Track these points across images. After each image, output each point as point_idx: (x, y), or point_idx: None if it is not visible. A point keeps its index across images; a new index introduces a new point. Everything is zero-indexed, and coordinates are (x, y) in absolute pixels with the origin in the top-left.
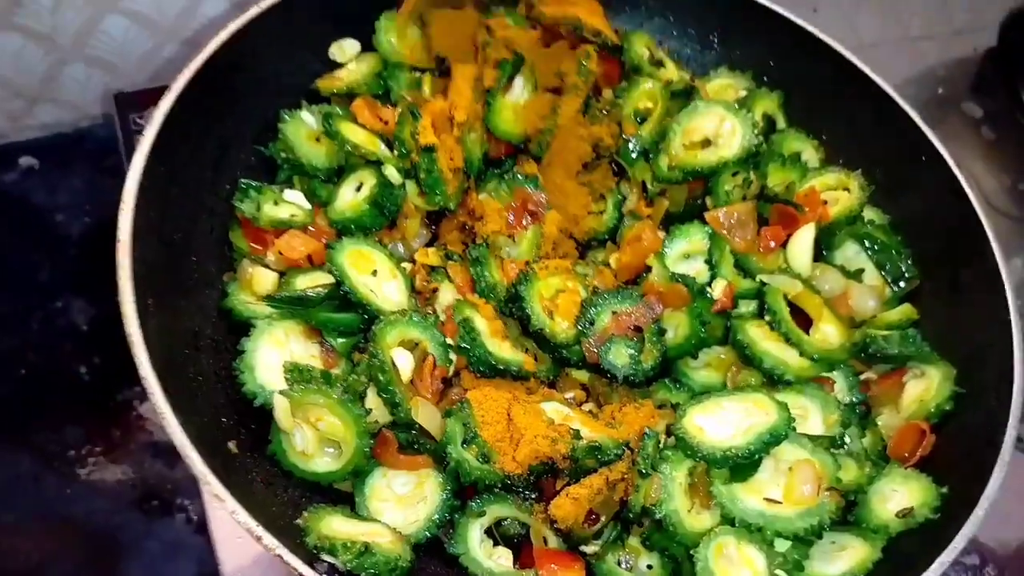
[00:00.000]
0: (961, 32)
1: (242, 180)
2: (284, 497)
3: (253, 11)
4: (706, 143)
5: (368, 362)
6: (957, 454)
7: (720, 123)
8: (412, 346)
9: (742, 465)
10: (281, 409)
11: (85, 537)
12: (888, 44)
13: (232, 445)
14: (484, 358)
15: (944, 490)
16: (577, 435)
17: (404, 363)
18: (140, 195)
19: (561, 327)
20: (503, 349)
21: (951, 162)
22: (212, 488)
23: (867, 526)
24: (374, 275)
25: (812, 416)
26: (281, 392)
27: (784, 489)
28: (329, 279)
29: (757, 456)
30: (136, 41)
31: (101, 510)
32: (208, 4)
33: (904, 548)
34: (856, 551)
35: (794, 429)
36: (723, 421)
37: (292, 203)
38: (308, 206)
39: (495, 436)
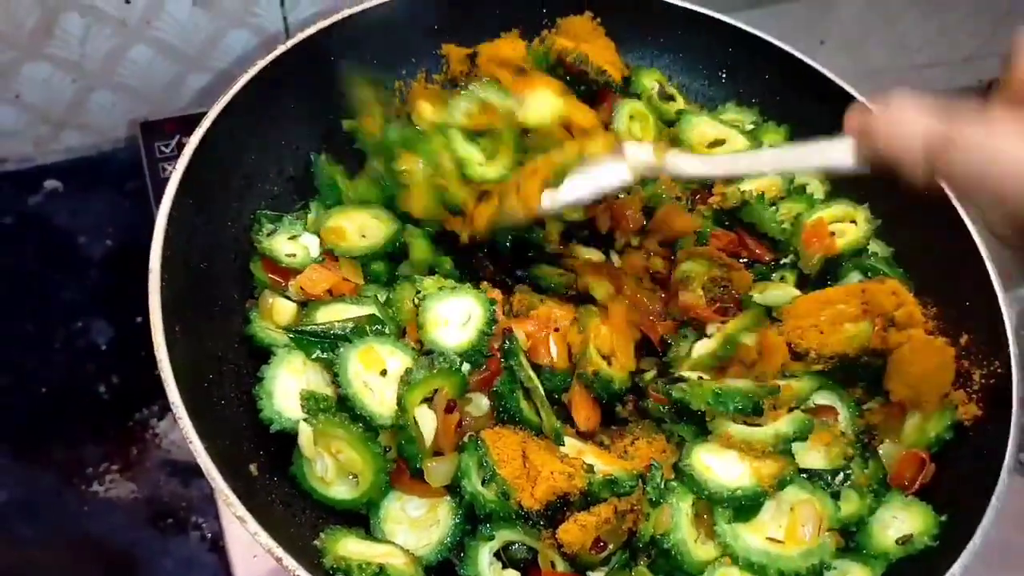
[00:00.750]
0: (968, 60)
1: (259, 211)
2: (301, 519)
3: (281, 48)
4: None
5: (396, 426)
6: (956, 483)
7: (716, 129)
8: (432, 393)
9: (745, 505)
10: (305, 437)
11: (102, 553)
12: (895, 73)
13: (253, 468)
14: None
15: (943, 518)
16: (591, 469)
17: (428, 423)
18: (169, 225)
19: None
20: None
21: (952, 194)
22: (235, 510)
23: (867, 552)
24: (383, 375)
25: (815, 448)
26: (305, 420)
27: (786, 529)
28: (350, 312)
29: (763, 499)
30: (161, 69)
31: (117, 527)
32: (232, 36)
33: (904, 574)
34: None
35: (799, 474)
36: (731, 460)
37: (303, 245)
38: (316, 252)
39: (512, 474)
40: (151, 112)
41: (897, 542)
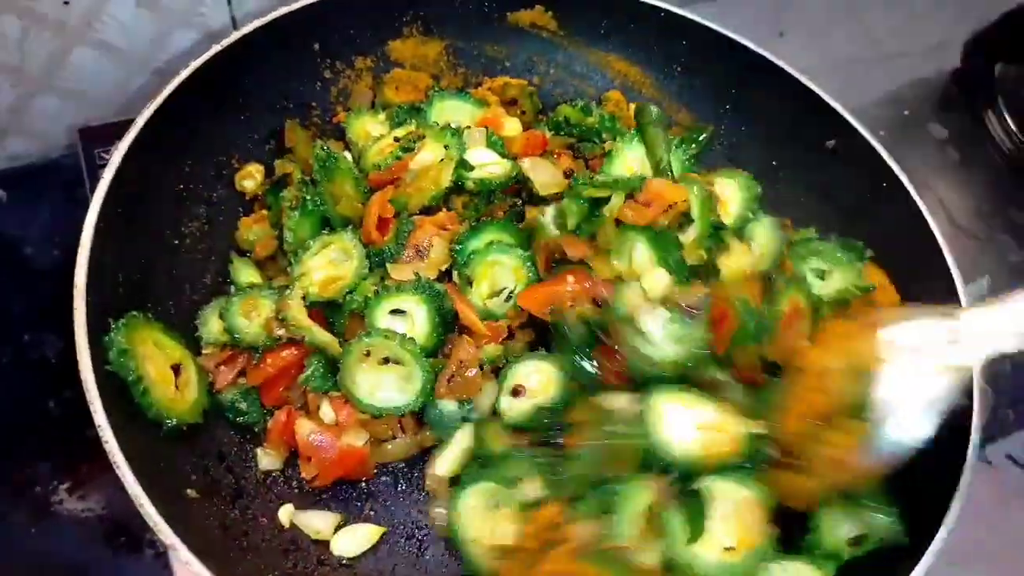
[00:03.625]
0: (937, 49)
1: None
2: (243, 543)
3: (215, 48)
4: None
5: None
6: (919, 480)
7: None
8: None
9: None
10: None
11: (53, 574)
12: (861, 64)
13: (191, 491)
14: None
15: (894, 517)
16: None
17: None
18: (97, 237)
19: None
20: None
21: (911, 187)
22: (165, 537)
23: (819, 552)
24: None
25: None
26: None
27: (738, 538)
28: None
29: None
30: (106, 72)
31: (69, 546)
32: (179, 35)
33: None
34: None
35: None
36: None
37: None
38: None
39: None
40: (97, 117)
41: (849, 543)
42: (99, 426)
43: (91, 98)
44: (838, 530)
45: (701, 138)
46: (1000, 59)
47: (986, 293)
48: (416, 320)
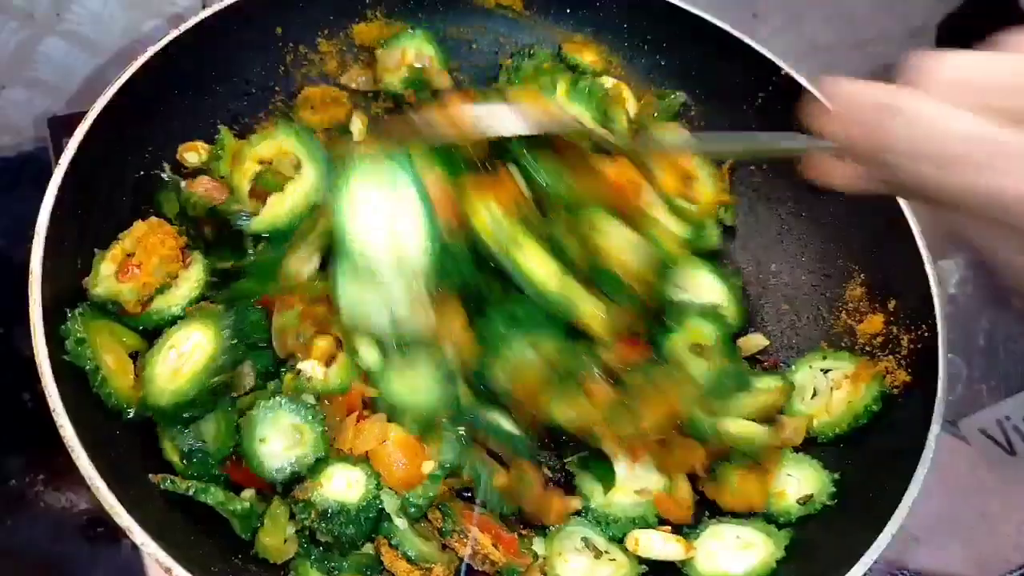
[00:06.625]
0: (916, 34)
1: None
2: (207, 527)
3: (173, 33)
4: None
5: None
6: (885, 452)
7: None
8: None
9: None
10: None
11: (27, 568)
12: (840, 49)
13: (152, 476)
14: None
15: (836, 476)
16: None
17: None
18: (54, 225)
19: None
20: None
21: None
22: (120, 519)
23: (769, 512)
24: None
25: None
26: None
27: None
28: None
29: None
30: (77, 63)
31: (44, 539)
32: (150, 24)
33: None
34: (760, 549)
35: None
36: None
37: None
38: None
39: None
40: (70, 107)
41: (798, 502)
42: (54, 410)
43: (62, 89)
44: (785, 488)
45: (671, 98)
46: (974, 39)
47: (961, 272)
48: None
